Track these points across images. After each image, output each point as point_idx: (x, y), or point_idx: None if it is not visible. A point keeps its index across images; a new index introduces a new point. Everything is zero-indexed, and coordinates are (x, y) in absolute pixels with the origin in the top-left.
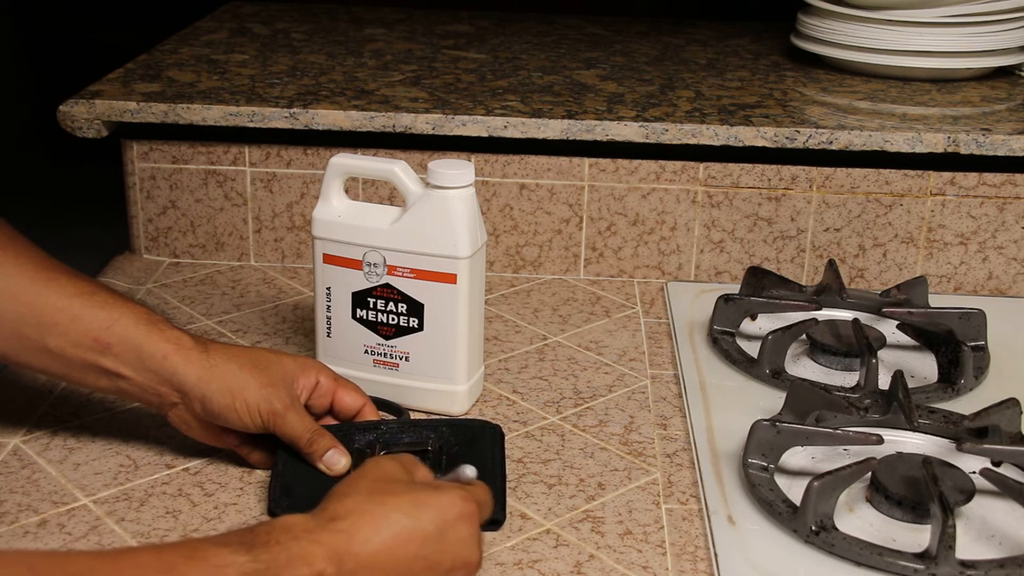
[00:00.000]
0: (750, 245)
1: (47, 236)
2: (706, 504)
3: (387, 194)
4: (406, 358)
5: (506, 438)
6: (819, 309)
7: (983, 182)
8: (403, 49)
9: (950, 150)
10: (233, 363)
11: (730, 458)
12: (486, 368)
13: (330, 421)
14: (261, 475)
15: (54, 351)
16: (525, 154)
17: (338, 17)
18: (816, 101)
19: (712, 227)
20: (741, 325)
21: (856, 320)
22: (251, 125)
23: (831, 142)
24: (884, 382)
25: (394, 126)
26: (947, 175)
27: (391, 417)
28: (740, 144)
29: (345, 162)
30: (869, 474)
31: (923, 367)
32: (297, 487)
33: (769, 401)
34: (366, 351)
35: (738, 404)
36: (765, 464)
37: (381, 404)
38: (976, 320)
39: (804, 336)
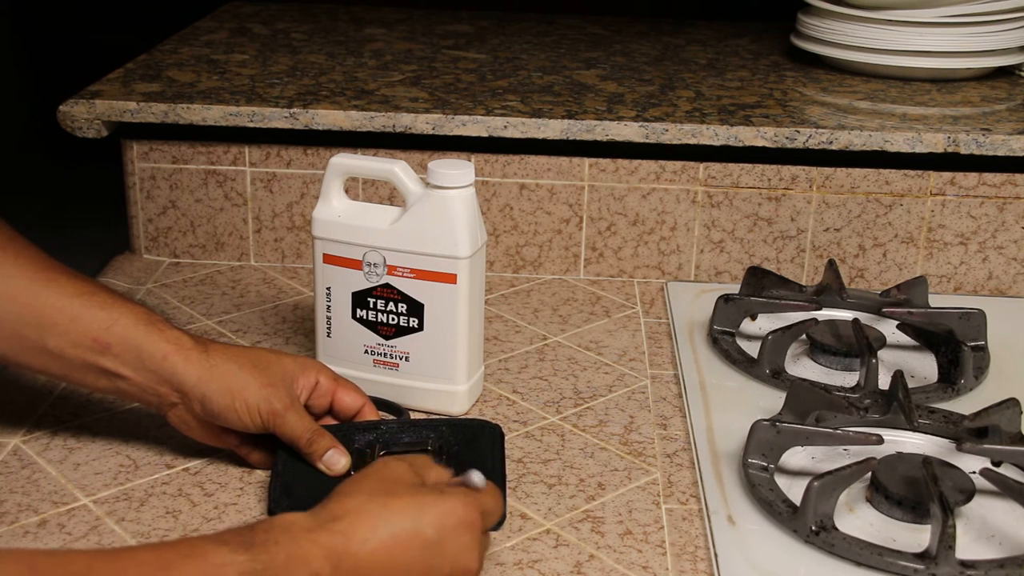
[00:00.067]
0: (750, 245)
1: (47, 236)
2: (706, 504)
3: (387, 194)
4: (406, 358)
5: (506, 438)
6: (819, 309)
7: (983, 182)
8: (403, 49)
9: (950, 150)
10: (233, 363)
11: (730, 458)
12: (486, 368)
13: (330, 421)
14: (261, 475)
15: (53, 351)
16: (525, 154)
17: (338, 17)
18: (816, 101)
19: (712, 227)
20: (741, 325)
21: (856, 320)
22: (251, 125)
23: (831, 142)
24: (884, 382)
25: (394, 126)
26: (947, 175)
27: (391, 417)
28: (740, 144)
29: (345, 162)
30: (869, 474)
31: (923, 367)
32: (297, 487)
33: (769, 401)
34: (366, 351)
35: (738, 404)
36: (765, 464)
37: (381, 404)
38: (976, 320)
39: (804, 336)
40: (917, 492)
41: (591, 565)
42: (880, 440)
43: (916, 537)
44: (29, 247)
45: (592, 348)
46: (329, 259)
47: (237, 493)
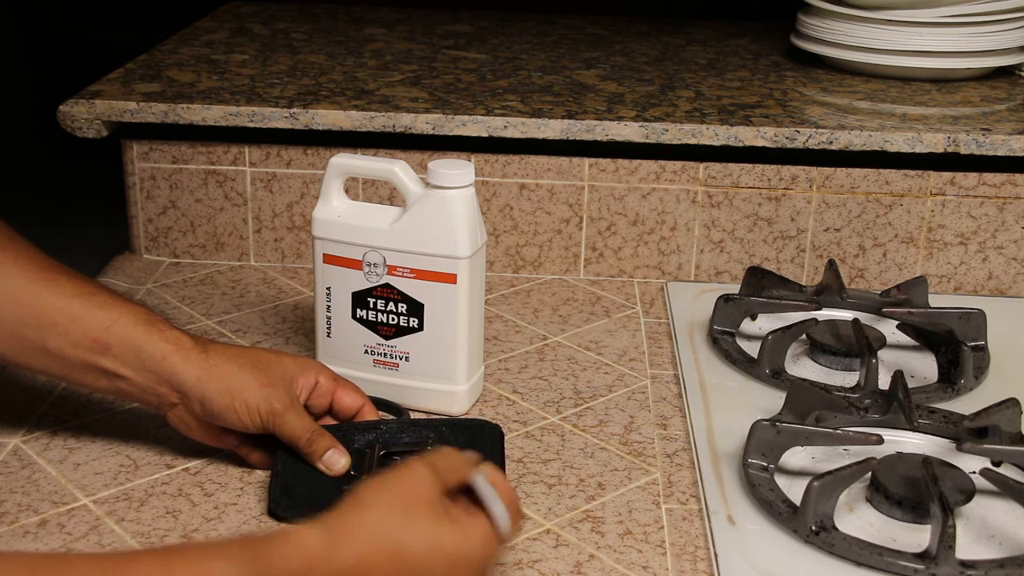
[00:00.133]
0: (750, 245)
1: (47, 236)
2: (706, 504)
3: (387, 194)
4: (406, 358)
5: (506, 438)
6: (819, 309)
7: (983, 182)
8: (403, 49)
9: (950, 150)
10: (232, 363)
11: (730, 458)
12: (486, 368)
13: (330, 421)
14: (261, 475)
15: (53, 352)
16: (525, 154)
17: (338, 17)
18: (816, 101)
19: (712, 227)
20: (741, 325)
21: (856, 320)
22: (251, 125)
23: (831, 142)
24: (884, 382)
25: (394, 126)
26: (947, 175)
27: (391, 417)
28: (740, 144)
29: (345, 162)
30: (869, 474)
31: (923, 367)
32: (297, 487)
33: (769, 401)
34: (366, 351)
35: (738, 404)
36: (765, 464)
37: (381, 404)
38: (976, 320)
39: (804, 336)
40: (917, 492)
41: (591, 565)
42: (880, 440)
43: (916, 537)
44: (29, 247)
45: (592, 348)
46: (329, 259)
47: (237, 493)
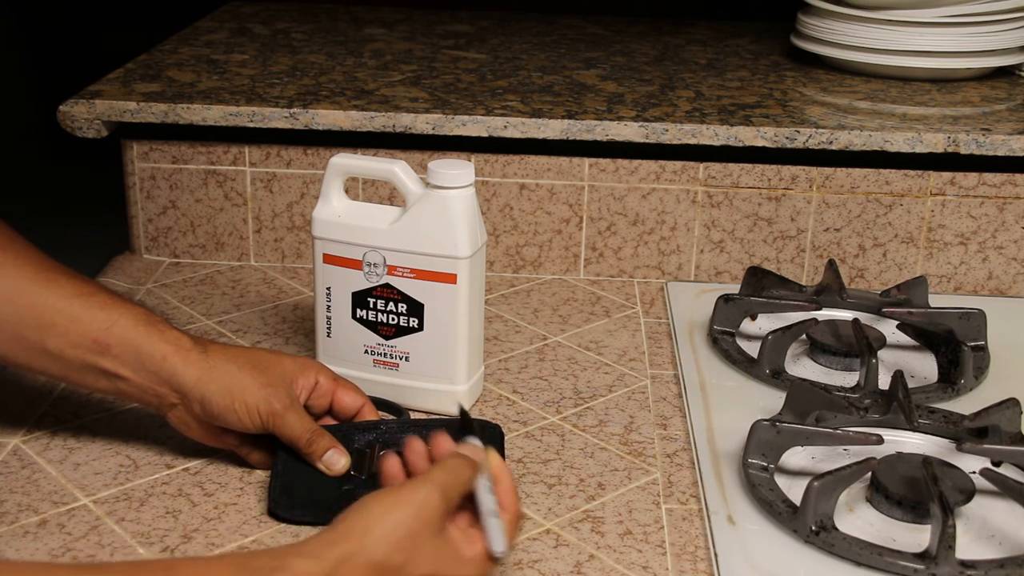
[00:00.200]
0: (750, 245)
1: (47, 236)
2: (706, 504)
3: (387, 194)
4: (406, 358)
5: (506, 438)
6: (819, 309)
7: (983, 182)
8: (403, 49)
9: (950, 150)
10: (232, 364)
11: (730, 458)
12: (486, 368)
13: (330, 421)
14: (261, 475)
15: (53, 352)
16: (525, 154)
17: (338, 17)
18: (816, 101)
19: (712, 227)
20: (741, 325)
21: (856, 320)
22: (251, 125)
23: (831, 142)
24: (884, 382)
25: (394, 126)
26: (947, 175)
27: (391, 417)
28: (740, 144)
29: (345, 162)
30: (869, 474)
31: (923, 367)
32: (297, 487)
33: (769, 401)
34: (366, 351)
35: (738, 404)
36: (765, 464)
37: (381, 404)
38: (976, 320)
39: (804, 336)
40: (917, 492)
41: (591, 565)
42: (880, 440)
43: (916, 537)
44: (29, 248)
45: (592, 348)
46: (329, 259)
47: (237, 493)
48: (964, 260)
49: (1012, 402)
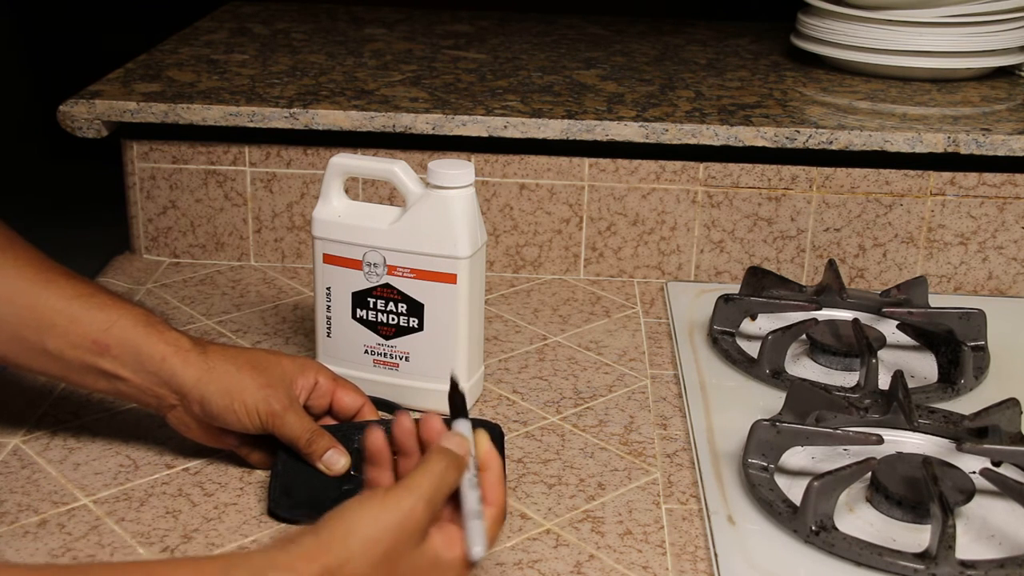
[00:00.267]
0: (750, 245)
1: (47, 236)
2: (706, 504)
3: (387, 194)
4: (406, 358)
5: (506, 438)
6: (819, 309)
7: (983, 182)
8: (403, 49)
9: (950, 150)
10: (231, 364)
11: (730, 458)
12: (486, 368)
13: (330, 421)
14: (261, 475)
15: (53, 353)
16: (525, 154)
17: (338, 17)
18: (816, 101)
19: (712, 227)
20: (741, 325)
21: (856, 320)
22: (251, 125)
23: (831, 142)
24: (884, 382)
25: (394, 126)
26: (947, 175)
27: (391, 417)
28: (740, 144)
29: (345, 162)
30: (869, 474)
31: (923, 367)
32: (297, 487)
33: (769, 401)
34: (366, 351)
35: (738, 404)
36: (765, 464)
37: (381, 404)
38: (976, 320)
39: (804, 336)
40: (917, 492)
41: (591, 565)
42: (880, 440)
43: (916, 537)
44: (28, 248)
45: (592, 348)
46: (329, 259)
47: (237, 493)
48: (964, 260)
49: (1012, 402)
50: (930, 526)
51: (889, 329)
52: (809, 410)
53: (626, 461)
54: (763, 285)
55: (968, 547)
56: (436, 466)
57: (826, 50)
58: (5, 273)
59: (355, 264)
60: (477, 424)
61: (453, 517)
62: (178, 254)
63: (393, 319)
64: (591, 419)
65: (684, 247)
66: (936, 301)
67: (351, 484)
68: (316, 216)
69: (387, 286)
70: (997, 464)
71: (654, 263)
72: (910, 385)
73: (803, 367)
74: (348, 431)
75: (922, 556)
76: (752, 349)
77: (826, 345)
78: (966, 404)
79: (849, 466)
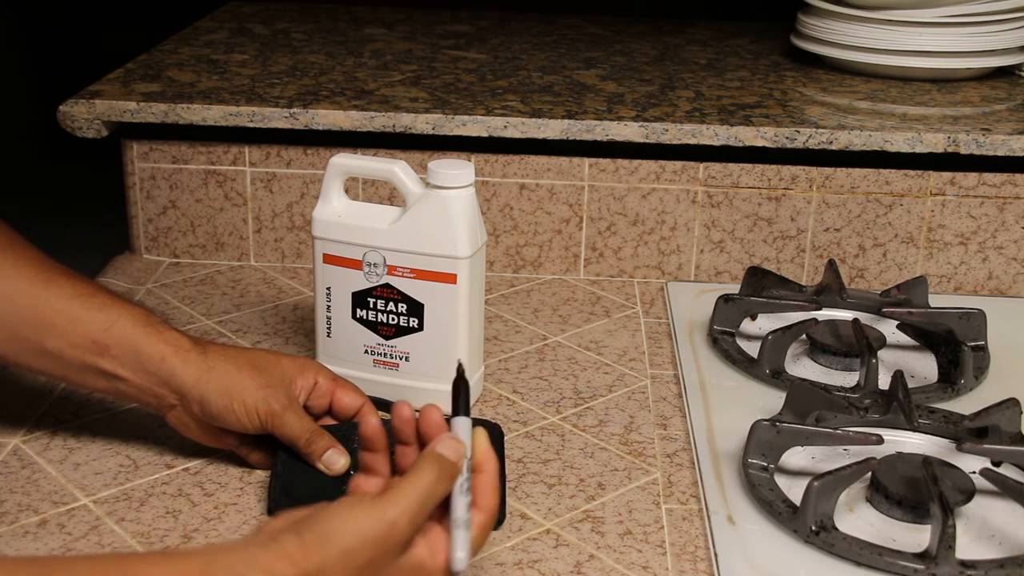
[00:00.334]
0: (750, 245)
1: (47, 236)
2: (706, 504)
3: (387, 194)
4: (406, 358)
5: (506, 438)
6: (819, 309)
7: (983, 182)
8: (403, 49)
9: (950, 150)
10: (231, 364)
11: (730, 458)
12: (486, 368)
13: (329, 421)
14: (261, 475)
15: (52, 352)
16: (525, 154)
17: (338, 17)
18: (816, 101)
19: (712, 227)
20: (741, 325)
21: (856, 320)
22: (251, 125)
23: (831, 142)
24: (884, 382)
25: (394, 126)
26: (947, 175)
27: (391, 417)
28: (740, 144)
29: (345, 162)
30: (869, 474)
31: (923, 367)
32: (297, 487)
33: (769, 401)
34: (366, 351)
35: (738, 404)
36: (765, 464)
37: (380, 404)
38: (976, 320)
39: (804, 336)
40: (917, 492)
41: (591, 565)
42: (880, 440)
43: (916, 537)
44: (29, 248)
45: (592, 348)
46: (329, 259)
47: (237, 493)
48: (964, 260)
49: (1012, 402)
50: (930, 526)
51: (889, 329)
52: (809, 410)
53: (626, 461)
54: (763, 285)
55: (968, 547)
56: (426, 476)
57: (826, 50)
58: (5, 272)
59: (355, 264)
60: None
61: (441, 519)
62: (178, 254)
63: (393, 319)
64: (591, 419)
65: (684, 247)
66: (936, 301)
67: (351, 484)
68: (316, 216)
69: (387, 286)
70: (997, 464)
71: (654, 263)
72: (910, 385)
73: (803, 367)
74: (348, 431)
75: (922, 556)
76: (752, 349)
77: (826, 345)
78: (966, 404)
79: (849, 466)
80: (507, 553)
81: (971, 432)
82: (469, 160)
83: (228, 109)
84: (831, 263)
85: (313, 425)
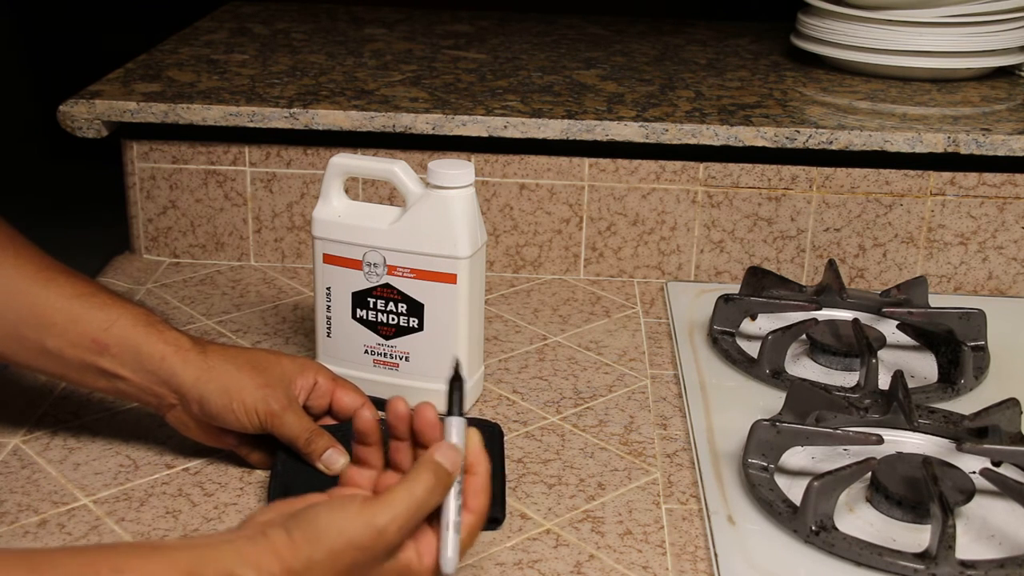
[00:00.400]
0: (750, 245)
1: (47, 236)
2: (706, 504)
3: (387, 194)
4: (406, 358)
5: (506, 438)
6: (819, 309)
7: (983, 182)
8: (403, 49)
9: (950, 150)
10: (230, 364)
11: (730, 458)
12: (486, 368)
13: (329, 421)
14: (261, 475)
15: (52, 352)
16: (525, 154)
17: (338, 17)
18: (816, 101)
19: (712, 227)
20: (741, 325)
21: (856, 320)
22: (251, 125)
23: (831, 142)
24: (884, 382)
25: (394, 126)
26: (947, 175)
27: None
28: (740, 144)
29: (345, 162)
30: (869, 474)
31: (923, 367)
32: (296, 487)
33: (769, 401)
34: (366, 351)
35: (738, 404)
36: (765, 464)
37: (381, 404)
38: (976, 320)
39: (804, 336)
40: (917, 492)
41: (591, 565)
42: (880, 440)
43: (916, 537)
44: (29, 246)
45: (592, 348)
46: (329, 259)
47: (237, 493)
48: (964, 260)
49: (1012, 402)
50: (930, 526)
51: (889, 329)
52: (809, 410)
53: (626, 461)
54: (763, 285)
55: (968, 547)
56: (422, 485)
57: (826, 50)
58: (5, 271)
59: (355, 264)
60: (473, 422)
61: (431, 521)
62: (178, 254)
63: (393, 319)
64: (591, 419)
65: (684, 247)
66: (936, 301)
67: None
68: (316, 216)
69: (387, 286)
70: (997, 464)
71: (654, 263)
72: (910, 385)
73: (803, 367)
74: (347, 431)
75: (922, 556)
76: (752, 349)
77: (826, 345)
78: (966, 404)
79: (849, 466)
80: (507, 553)
81: (971, 432)
82: (469, 160)
83: (228, 109)
84: (831, 263)
85: (312, 425)
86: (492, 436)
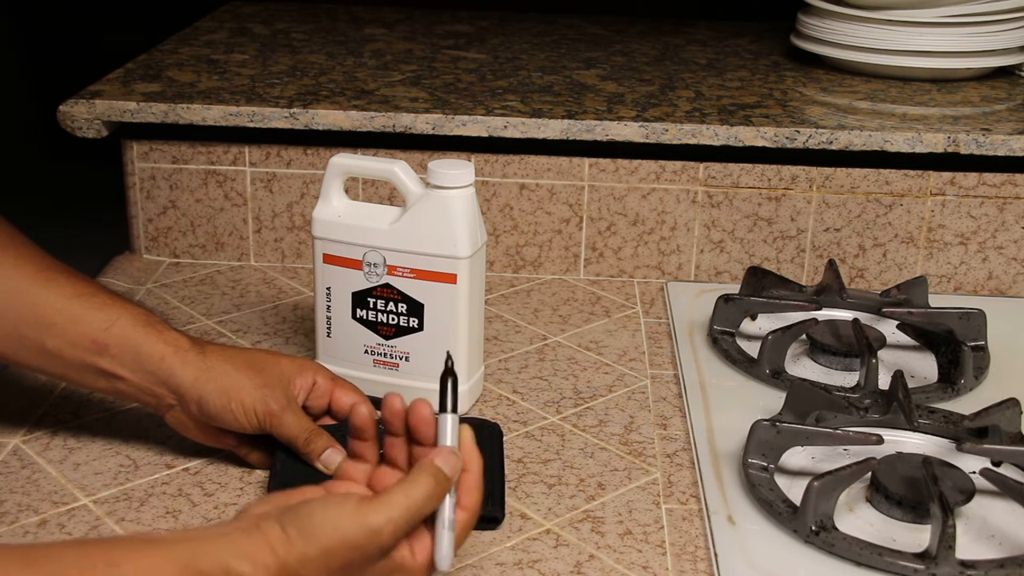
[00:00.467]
0: (750, 245)
1: (47, 236)
2: (706, 504)
3: (387, 194)
4: (406, 358)
5: (506, 438)
6: (819, 309)
7: (983, 182)
8: (403, 49)
9: (950, 150)
10: (229, 364)
11: (730, 458)
12: (486, 368)
13: (328, 421)
14: (261, 475)
15: (52, 351)
16: (525, 154)
17: (338, 17)
18: (816, 101)
19: (712, 227)
20: (741, 325)
21: (856, 320)
22: (251, 125)
23: (831, 142)
24: (884, 382)
25: (394, 126)
26: (947, 175)
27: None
28: (740, 144)
29: (345, 162)
30: (869, 474)
31: (923, 367)
32: (296, 486)
33: (769, 401)
34: (366, 351)
35: (738, 404)
36: (765, 464)
37: (379, 405)
38: (976, 320)
39: (804, 336)
40: (917, 492)
41: (591, 565)
42: (880, 440)
43: (916, 537)
44: (29, 246)
45: (592, 348)
46: (329, 259)
47: (237, 493)
48: (964, 260)
49: (1012, 402)
50: (930, 526)
51: (889, 329)
52: (809, 410)
53: (626, 461)
54: (763, 285)
55: (968, 547)
56: (420, 489)
57: (826, 50)
58: (5, 271)
59: (355, 264)
60: (473, 422)
61: (425, 519)
62: (178, 254)
63: (393, 319)
64: (591, 419)
65: (684, 247)
66: (936, 301)
67: None
68: (316, 216)
69: (387, 286)
70: (997, 464)
71: (654, 263)
72: (910, 385)
73: (803, 367)
74: (346, 430)
75: (922, 556)
76: (752, 349)
77: (826, 345)
78: (966, 404)
79: (849, 466)
80: (507, 553)
81: (971, 432)
82: (469, 160)
83: (228, 109)
84: (831, 263)
85: (311, 425)
86: (492, 436)
